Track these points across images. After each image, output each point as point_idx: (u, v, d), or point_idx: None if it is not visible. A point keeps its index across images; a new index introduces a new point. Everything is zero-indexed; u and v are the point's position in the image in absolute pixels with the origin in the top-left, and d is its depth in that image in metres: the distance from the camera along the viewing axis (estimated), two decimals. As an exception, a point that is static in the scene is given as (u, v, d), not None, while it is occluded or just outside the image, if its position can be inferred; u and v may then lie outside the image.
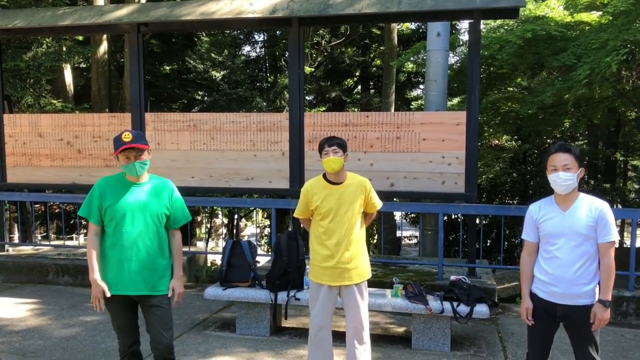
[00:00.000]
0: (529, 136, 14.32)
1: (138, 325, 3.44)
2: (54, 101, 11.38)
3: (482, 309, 4.69)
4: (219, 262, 11.00)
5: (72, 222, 13.80)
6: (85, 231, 10.60)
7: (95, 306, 3.26)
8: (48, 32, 8.05)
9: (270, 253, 8.57)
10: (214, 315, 5.90)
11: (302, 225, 4.27)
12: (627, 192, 18.65)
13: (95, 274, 3.26)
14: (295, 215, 4.10)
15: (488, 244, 13.82)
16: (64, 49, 10.95)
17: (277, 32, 15.89)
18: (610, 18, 8.63)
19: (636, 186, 21.75)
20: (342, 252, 3.84)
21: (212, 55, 14.08)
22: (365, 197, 3.91)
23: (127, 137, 3.23)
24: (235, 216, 21.48)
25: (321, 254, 3.88)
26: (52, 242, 8.13)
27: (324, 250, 3.87)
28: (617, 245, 3.21)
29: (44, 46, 10.69)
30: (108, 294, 3.24)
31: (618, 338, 5.21)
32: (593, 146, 17.11)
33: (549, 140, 15.47)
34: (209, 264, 9.29)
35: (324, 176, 3.90)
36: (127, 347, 3.39)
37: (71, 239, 8.53)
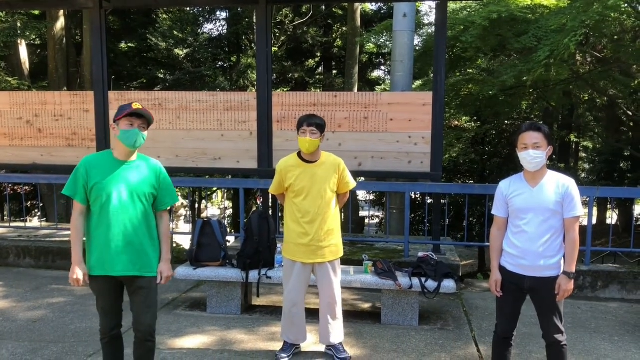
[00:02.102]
0: (488, 118, 14.67)
1: (122, 309, 3.35)
2: (9, 79, 10.95)
3: (449, 284, 4.84)
4: (181, 242, 10.93)
5: (29, 203, 13.45)
6: (40, 213, 10.35)
7: (74, 285, 3.18)
8: (3, 6, 7.73)
9: (233, 233, 8.58)
10: (183, 295, 5.89)
11: (278, 202, 4.31)
12: (579, 172, 19.38)
13: (77, 256, 3.16)
14: (270, 191, 4.13)
15: (447, 223, 14.16)
16: (19, 24, 10.51)
17: (239, 9, 15.65)
18: (569, 1, 8.88)
19: (586, 166, 22.59)
20: (316, 230, 3.90)
21: (175, 32, 13.78)
22: (339, 176, 3.96)
23: (137, 105, 3.15)
24: (196, 197, 21.30)
25: (295, 232, 3.94)
26: (13, 224, 7.91)
27: (298, 228, 3.93)
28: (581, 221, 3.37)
29: (-2, 21, 10.27)
30: (86, 279, 3.16)
31: (575, 310, 5.46)
32: (548, 128, 17.65)
33: (506, 122, 15.88)
34: (174, 245, 9.21)
35: (299, 154, 3.93)
36: (109, 330, 3.29)
37: (25, 221, 8.31)
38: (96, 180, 3.13)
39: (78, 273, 3.14)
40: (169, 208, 3.39)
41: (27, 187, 11.70)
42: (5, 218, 12.17)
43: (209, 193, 21.51)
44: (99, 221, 3.15)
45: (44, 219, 11.73)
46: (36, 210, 14.60)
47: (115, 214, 3.14)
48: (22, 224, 7.88)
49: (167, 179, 3.37)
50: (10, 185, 11.87)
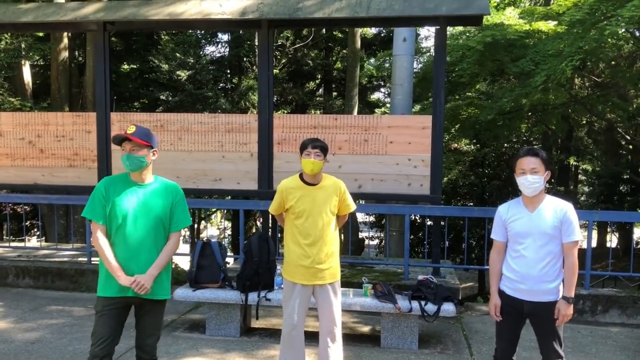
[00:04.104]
0: (487, 141, 14.74)
1: (119, 338, 3.28)
2: (12, 99, 11.04)
3: (449, 308, 4.84)
4: (179, 263, 10.90)
5: (28, 223, 13.43)
6: (39, 233, 10.33)
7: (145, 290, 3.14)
8: (9, 28, 7.83)
9: (232, 254, 8.59)
10: (182, 316, 5.87)
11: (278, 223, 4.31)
12: (578, 195, 19.40)
13: (116, 264, 3.14)
14: (269, 210, 4.14)
15: (446, 245, 14.13)
16: (23, 45, 10.63)
17: (241, 32, 15.84)
18: (566, 27, 9.00)
19: (586, 189, 22.60)
20: (317, 252, 3.91)
21: (177, 54, 13.92)
22: (340, 198, 3.98)
23: (130, 129, 3.17)
24: (195, 217, 21.24)
25: (296, 253, 3.95)
26: (12, 244, 7.91)
27: (299, 250, 3.94)
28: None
29: (3, 42, 10.37)
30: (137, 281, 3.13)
31: (575, 334, 5.44)
32: (547, 151, 17.71)
33: (505, 145, 15.95)
34: (173, 266, 9.19)
35: (301, 176, 3.96)
36: (99, 358, 3.16)
37: (24, 240, 8.31)
38: (113, 201, 3.16)
39: (124, 280, 3.12)
40: (181, 230, 3.38)
41: (26, 207, 11.69)
42: (5, 238, 12.15)
43: (208, 214, 21.49)
44: (116, 243, 3.18)
45: (43, 238, 11.71)
46: (35, 230, 14.56)
47: (131, 237, 3.16)
48: (21, 244, 7.87)
49: (182, 201, 3.37)
50: (10, 205, 11.89)
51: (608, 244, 18.61)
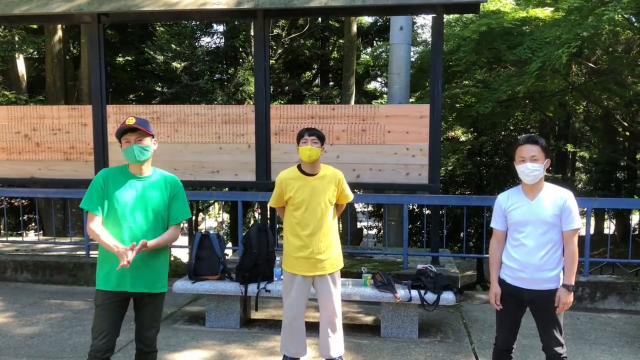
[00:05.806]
0: (485, 129, 14.73)
1: (119, 331, 3.26)
2: (7, 92, 10.98)
3: (448, 297, 4.83)
4: (178, 255, 10.90)
5: (25, 217, 13.41)
6: (36, 227, 10.31)
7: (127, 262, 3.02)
8: (2, 21, 7.76)
9: (231, 246, 8.59)
10: (181, 309, 5.87)
11: (277, 214, 4.30)
12: (575, 182, 19.43)
13: (115, 242, 3.06)
14: (270, 204, 4.14)
15: (445, 234, 14.17)
16: (17, 38, 10.55)
17: (236, 22, 15.74)
18: (564, 14, 8.97)
19: (583, 176, 22.64)
20: (316, 243, 3.90)
21: (172, 45, 13.85)
22: (338, 188, 3.97)
23: (130, 121, 3.12)
24: (193, 209, 21.24)
25: (295, 245, 3.94)
26: (10, 238, 7.88)
27: (298, 241, 3.93)
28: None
29: (-4, 36, 10.31)
30: (133, 248, 3.03)
31: (574, 321, 5.46)
32: (545, 138, 17.70)
33: (502, 133, 15.95)
34: (171, 258, 9.19)
35: (299, 167, 3.94)
36: (101, 354, 3.14)
37: (21, 235, 8.30)
38: (112, 194, 3.13)
39: (123, 250, 3.04)
40: (180, 223, 3.36)
41: (24, 201, 11.67)
42: (2, 232, 12.14)
43: (206, 205, 21.48)
44: (113, 236, 3.13)
45: (41, 232, 11.69)
46: (33, 224, 14.54)
47: (129, 230, 3.14)
48: (19, 238, 7.85)
49: (181, 193, 3.34)
50: (7, 199, 11.85)
51: (606, 231, 18.69)
